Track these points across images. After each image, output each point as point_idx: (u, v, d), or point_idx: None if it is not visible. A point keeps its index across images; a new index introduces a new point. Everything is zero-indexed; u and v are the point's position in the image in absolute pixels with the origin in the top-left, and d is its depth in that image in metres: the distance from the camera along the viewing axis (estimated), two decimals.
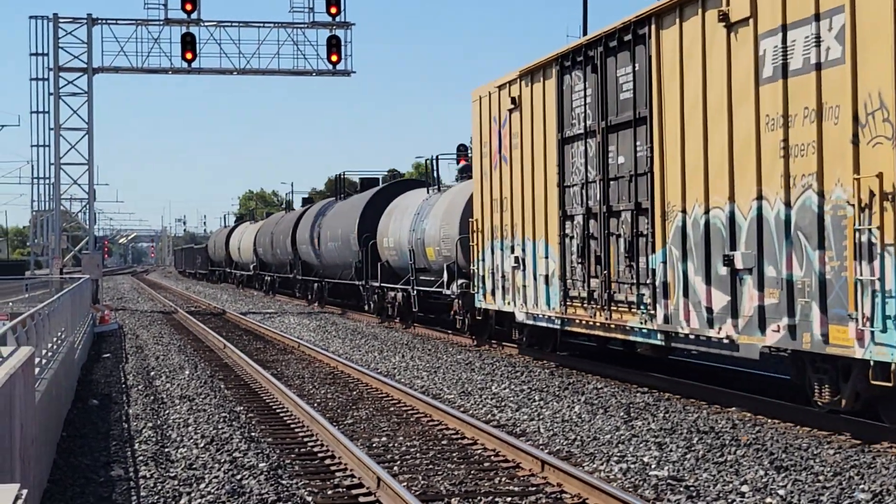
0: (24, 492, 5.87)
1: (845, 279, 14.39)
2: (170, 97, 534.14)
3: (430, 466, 13.96)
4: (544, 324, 24.00)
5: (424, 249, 33.46)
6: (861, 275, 14.10)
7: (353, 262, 43.13)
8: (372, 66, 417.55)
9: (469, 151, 42.83)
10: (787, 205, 15.52)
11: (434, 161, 38.74)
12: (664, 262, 18.96)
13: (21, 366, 10.79)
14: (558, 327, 23.39)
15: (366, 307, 42.14)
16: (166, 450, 15.34)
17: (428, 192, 36.02)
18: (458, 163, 39.31)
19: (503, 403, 19.05)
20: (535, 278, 24.07)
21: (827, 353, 14.92)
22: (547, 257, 23.35)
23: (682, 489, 12.32)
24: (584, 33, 46.93)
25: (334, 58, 49.20)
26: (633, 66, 19.90)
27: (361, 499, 12.35)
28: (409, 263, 35.28)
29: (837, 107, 14.58)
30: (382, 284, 38.99)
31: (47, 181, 53.52)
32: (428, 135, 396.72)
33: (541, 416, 17.56)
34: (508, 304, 25.67)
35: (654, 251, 19.28)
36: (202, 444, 15.62)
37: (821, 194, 14.89)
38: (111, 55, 49.79)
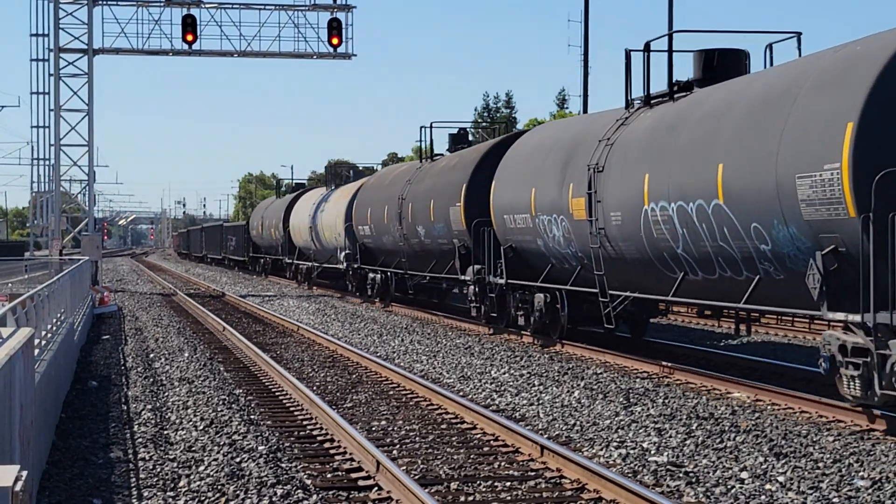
0: (24, 473, 5.85)
1: None
2: (170, 79, 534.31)
3: (430, 450, 13.95)
4: None
5: None
6: None
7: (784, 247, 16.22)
8: (373, 50, 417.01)
9: (471, 136, 41.25)
10: None
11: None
12: None
13: (21, 347, 10.77)
14: None
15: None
16: (165, 432, 15.33)
17: None
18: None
19: (503, 388, 19.04)
20: None
21: None
22: None
23: (681, 475, 12.32)
24: (586, 18, 46.71)
25: (335, 41, 49.14)
26: None
27: (360, 482, 12.33)
28: None
29: None
30: None
31: (47, 162, 53.53)
32: (428, 118, 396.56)
33: (540, 401, 17.55)
34: None
35: None
36: (201, 427, 15.62)
37: None
38: (112, 36, 49.79)
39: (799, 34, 19.68)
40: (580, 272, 23.35)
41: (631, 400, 17.41)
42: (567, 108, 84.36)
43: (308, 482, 12.26)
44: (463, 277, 29.97)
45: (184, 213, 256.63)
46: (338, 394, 18.83)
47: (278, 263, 65.03)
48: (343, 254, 44.70)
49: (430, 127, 37.68)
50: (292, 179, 78.35)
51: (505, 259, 26.85)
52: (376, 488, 12.07)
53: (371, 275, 41.81)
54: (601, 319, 22.66)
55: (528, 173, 25.50)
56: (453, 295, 39.43)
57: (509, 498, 11.47)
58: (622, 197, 20.61)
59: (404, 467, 12.72)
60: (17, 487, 5.70)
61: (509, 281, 26.79)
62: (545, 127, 29.23)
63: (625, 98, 22.30)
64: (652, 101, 21.52)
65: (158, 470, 12.92)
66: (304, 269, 56.33)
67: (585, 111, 46.14)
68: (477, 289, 28.96)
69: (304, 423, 16.13)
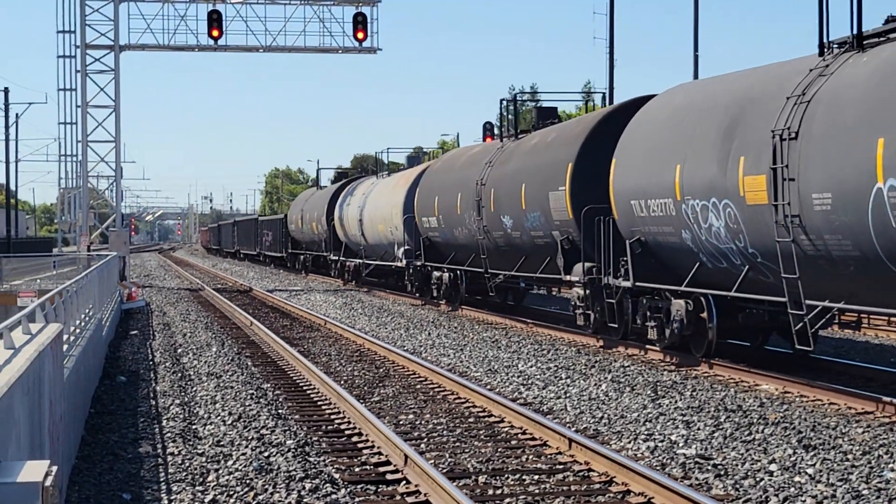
0: (55, 468, 5.89)
1: None
2: (196, 75, 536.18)
3: (458, 444, 13.95)
4: None
5: None
6: None
7: None
8: (398, 44, 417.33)
9: (496, 129, 40.76)
10: None
11: None
12: None
13: (50, 343, 10.81)
14: None
15: None
16: (194, 427, 15.38)
17: None
18: (483, 140, 37.07)
19: (530, 381, 19.03)
20: None
21: None
22: None
23: (709, 467, 12.28)
24: (611, 10, 46.63)
25: (360, 35, 49.05)
26: None
27: (389, 476, 12.35)
28: None
29: None
30: None
31: (74, 158, 53.69)
32: (453, 113, 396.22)
33: (567, 395, 17.53)
34: None
35: None
36: (229, 422, 15.66)
37: None
38: (138, 32, 49.80)
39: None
40: (748, 274, 18.17)
41: (658, 392, 17.36)
42: (592, 100, 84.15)
43: (336, 476, 12.28)
44: (568, 278, 24.64)
45: (210, 208, 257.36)
46: (365, 388, 18.85)
47: (320, 260, 59.62)
48: (402, 249, 39.06)
49: (514, 100, 33.27)
50: (318, 170, 76.82)
51: (631, 256, 21.55)
52: (404, 482, 12.08)
53: (436, 273, 35.87)
54: (758, 334, 19.74)
55: (669, 146, 20.08)
56: (531, 297, 36.45)
57: (537, 491, 11.46)
58: (834, 172, 15.42)
59: (432, 461, 12.73)
60: (48, 482, 5.73)
61: (637, 284, 21.48)
62: (686, 87, 22.12)
63: (819, 41, 16.94)
64: (865, 43, 16.23)
65: (187, 464, 12.96)
66: (352, 267, 51.07)
67: (612, 104, 45.94)
68: (588, 292, 23.79)
69: (332, 417, 16.15)
